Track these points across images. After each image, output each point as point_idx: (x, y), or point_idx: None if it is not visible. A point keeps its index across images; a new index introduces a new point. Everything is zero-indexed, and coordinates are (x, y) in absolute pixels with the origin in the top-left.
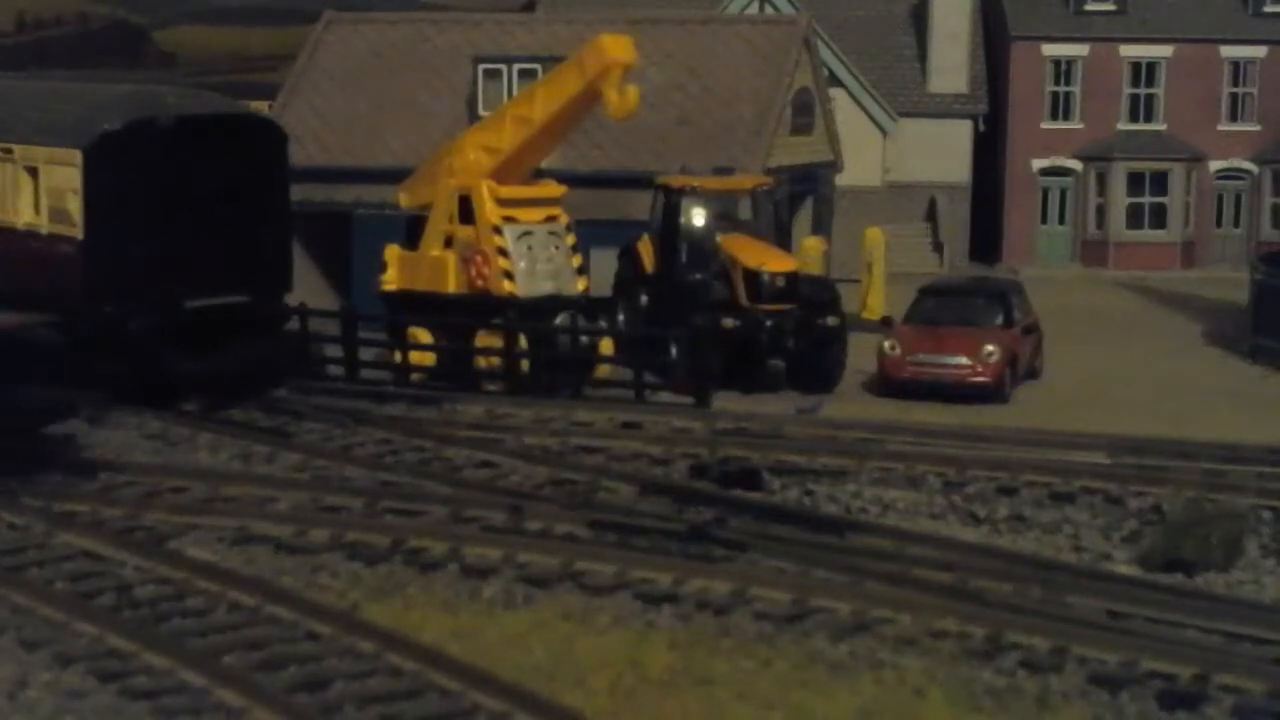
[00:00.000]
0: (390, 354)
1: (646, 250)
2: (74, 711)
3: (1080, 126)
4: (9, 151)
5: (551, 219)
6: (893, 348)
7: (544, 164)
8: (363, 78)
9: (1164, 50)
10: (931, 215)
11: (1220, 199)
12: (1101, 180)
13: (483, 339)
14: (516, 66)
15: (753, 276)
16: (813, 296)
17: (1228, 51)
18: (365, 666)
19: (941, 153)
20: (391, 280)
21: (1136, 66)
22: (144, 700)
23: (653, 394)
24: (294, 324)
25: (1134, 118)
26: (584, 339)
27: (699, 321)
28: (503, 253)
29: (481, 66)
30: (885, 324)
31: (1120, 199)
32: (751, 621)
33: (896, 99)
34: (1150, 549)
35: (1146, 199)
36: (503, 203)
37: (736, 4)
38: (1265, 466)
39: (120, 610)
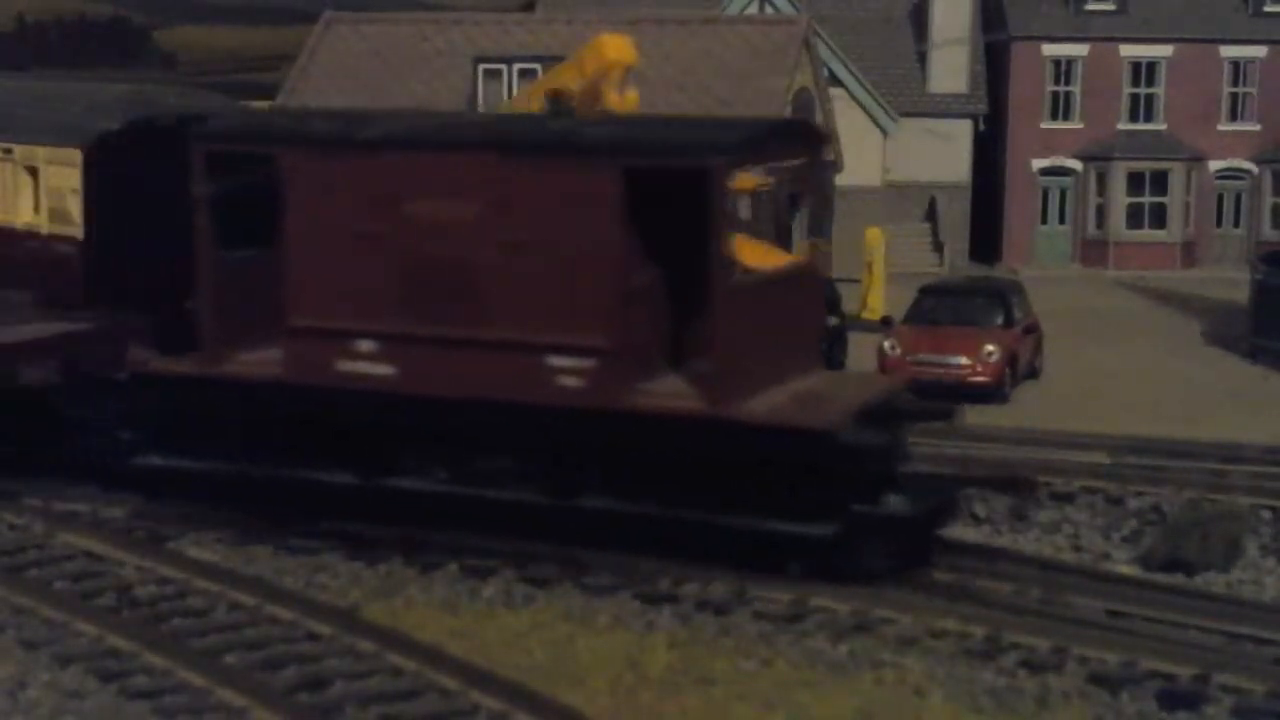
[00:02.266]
0: None
1: None
2: (74, 711)
3: (1080, 126)
4: (9, 151)
5: None
6: (893, 348)
7: None
8: (363, 78)
9: (1164, 50)
10: (931, 215)
11: (1220, 199)
12: (1101, 180)
13: None
14: (516, 66)
15: None
16: None
17: (1228, 51)
18: (365, 666)
19: (941, 153)
20: None
21: (1136, 66)
22: (144, 700)
23: None
24: None
25: (1134, 118)
26: None
27: None
28: None
29: (481, 66)
30: (885, 324)
31: (1120, 199)
32: (751, 621)
33: (896, 99)
34: (1150, 549)
35: (1146, 199)
36: None
37: (736, 4)
38: (1265, 466)
39: (120, 610)
